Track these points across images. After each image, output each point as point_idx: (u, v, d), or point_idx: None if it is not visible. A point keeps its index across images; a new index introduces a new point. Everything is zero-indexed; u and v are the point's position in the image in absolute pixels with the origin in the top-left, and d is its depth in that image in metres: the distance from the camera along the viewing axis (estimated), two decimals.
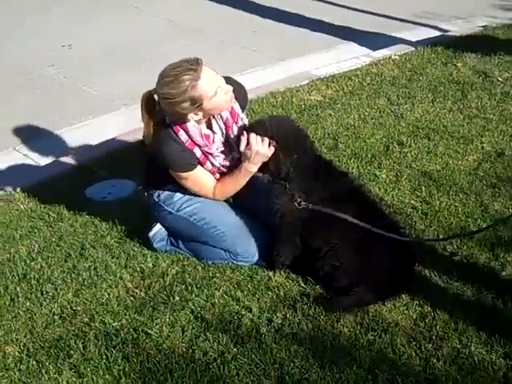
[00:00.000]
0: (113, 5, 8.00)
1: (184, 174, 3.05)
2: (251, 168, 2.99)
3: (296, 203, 2.90)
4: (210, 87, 2.87)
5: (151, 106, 2.99)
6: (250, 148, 2.93)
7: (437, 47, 6.13)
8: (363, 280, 2.81)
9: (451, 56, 5.89)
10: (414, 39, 6.67)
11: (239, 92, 3.13)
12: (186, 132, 2.99)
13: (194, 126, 2.99)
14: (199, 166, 3.06)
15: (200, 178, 3.09)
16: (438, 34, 6.99)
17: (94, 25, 7.36)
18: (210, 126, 3.07)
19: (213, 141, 3.06)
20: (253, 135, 2.94)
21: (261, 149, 2.92)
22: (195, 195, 3.17)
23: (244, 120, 3.20)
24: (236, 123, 3.12)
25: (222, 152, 3.09)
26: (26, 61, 6.32)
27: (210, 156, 3.07)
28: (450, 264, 3.05)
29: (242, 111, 3.21)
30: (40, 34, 7.06)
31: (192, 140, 3.00)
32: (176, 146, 2.99)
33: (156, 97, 2.96)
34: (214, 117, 3.06)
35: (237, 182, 3.10)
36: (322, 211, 2.86)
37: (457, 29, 7.06)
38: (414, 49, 6.22)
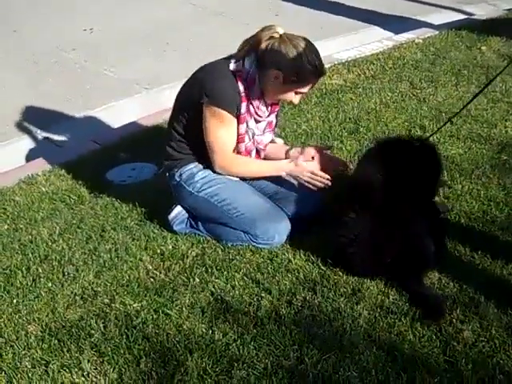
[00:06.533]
0: None
1: (221, 113, 2.98)
2: (287, 171, 3.16)
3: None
4: (302, 89, 3.03)
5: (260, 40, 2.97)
6: (305, 167, 3.12)
7: (461, 31, 6.07)
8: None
9: (475, 39, 5.83)
10: (437, 23, 6.61)
11: None
12: (250, 84, 3.00)
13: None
14: (235, 122, 3.05)
15: (227, 129, 3.04)
16: (462, 17, 6.94)
17: (115, 9, 7.38)
18: None
19: (261, 107, 3.11)
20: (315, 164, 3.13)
21: (307, 172, 3.11)
22: (215, 175, 3.17)
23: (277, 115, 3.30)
24: (272, 113, 3.21)
25: (258, 124, 3.14)
26: (49, 44, 6.36)
27: (251, 119, 3.08)
28: (472, 247, 3.02)
29: None
30: (62, 18, 7.09)
31: (248, 94, 3.01)
32: (233, 86, 2.99)
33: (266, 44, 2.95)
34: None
35: (261, 170, 3.22)
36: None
37: (481, 12, 6.99)
38: (437, 32, 6.16)
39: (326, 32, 6.40)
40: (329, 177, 3.13)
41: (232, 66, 3.00)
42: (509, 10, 6.88)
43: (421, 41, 5.95)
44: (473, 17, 6.87)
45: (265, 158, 3.31)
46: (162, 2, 7.61)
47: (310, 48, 2.96)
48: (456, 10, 7.21)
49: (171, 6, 7.44)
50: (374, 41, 6.14)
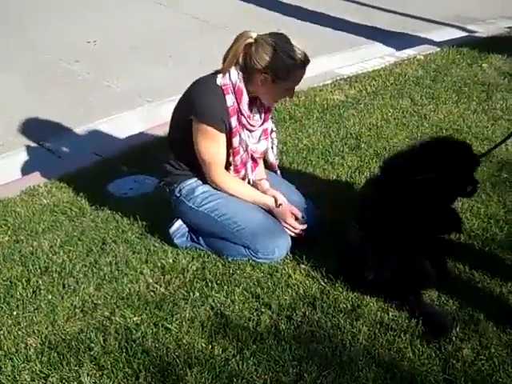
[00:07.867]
0: (136, 1, 8.06)
1: (208, 129, 3.01)
2: (268, 207, 3.19)
3: None
4: (292, 85, 3.07)
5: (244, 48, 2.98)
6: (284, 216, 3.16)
7: (462, 48, 6.09)
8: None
9: (476, 57, 5.85)
10: (439, 39, 6.63)
11: None
12: (238, 96, 3.01)
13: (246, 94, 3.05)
14: (224, 136, 3.06)
15: (217, 144, 3.06)
16: (463, 34, 6.96)
17: (119, 21, 7.40)
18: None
19: (254, 116, 3.13)
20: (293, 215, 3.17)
21: (287, 220, 3.16)
22: (215, 190, 3.19)
23: (272, 121, 3.31)
24: (266, 120, 3.23)
25: (252, 133, 3.15)
26: (53, 56, 6.38)
27: (243, 130, 3.09)
28: (471, 265, 3.02)
29: None
30: (65, 29, 7.12)
31: (238, 105, 3.02)
32: (220, 101, 3.00)
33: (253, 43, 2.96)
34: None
35: (244, 194, 3.20)
36: None
37: (482, 30, 7.01)
38: (438, 49, 6.19)
39: (328, 47, 6.43)
40: (301, 228, 3.18)
41: (219, 81, 3.02)
42: (510, 27, 6.91)
43: (422, 57, 5.97)
44: (474, 34, 6.90)
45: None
46: (165, 15, 7.65)
47: (286, 42, 2.97)
48: (457, 27, 7.24)
49: (174, 19, 7.48)
50: (375, 57, 6.15)
